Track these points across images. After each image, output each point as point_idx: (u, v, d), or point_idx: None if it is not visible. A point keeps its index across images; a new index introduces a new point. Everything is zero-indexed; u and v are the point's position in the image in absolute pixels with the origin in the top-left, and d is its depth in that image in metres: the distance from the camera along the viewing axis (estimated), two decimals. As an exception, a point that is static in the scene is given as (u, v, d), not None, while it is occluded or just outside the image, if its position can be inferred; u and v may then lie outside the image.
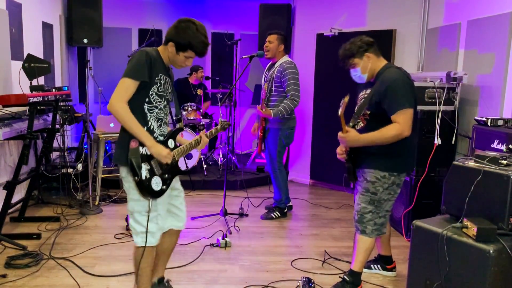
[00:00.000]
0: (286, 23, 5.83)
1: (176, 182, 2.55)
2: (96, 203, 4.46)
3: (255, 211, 4.55)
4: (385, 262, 3.18)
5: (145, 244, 2.32)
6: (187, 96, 6.13)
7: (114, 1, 6.53)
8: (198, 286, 2.94)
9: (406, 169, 2.74)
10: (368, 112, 2.69)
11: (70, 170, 4.48)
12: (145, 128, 2.28)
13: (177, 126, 2.56)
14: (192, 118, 5.61)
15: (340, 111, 2.60)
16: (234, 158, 5.98)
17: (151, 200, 2.29)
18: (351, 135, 2.63)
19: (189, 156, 5.38)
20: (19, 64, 4.01)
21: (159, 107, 2.34)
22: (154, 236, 2.36)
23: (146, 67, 2.21)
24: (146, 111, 2.30)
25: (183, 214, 2.58)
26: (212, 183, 5.29)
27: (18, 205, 4.03)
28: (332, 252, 3.51)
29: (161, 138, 2.39)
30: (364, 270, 3.00)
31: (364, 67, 2.70)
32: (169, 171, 2.38)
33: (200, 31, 2.27)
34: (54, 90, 4.09)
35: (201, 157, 5.54)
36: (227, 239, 3.60)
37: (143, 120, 2.28)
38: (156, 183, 2.29)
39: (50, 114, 4.13)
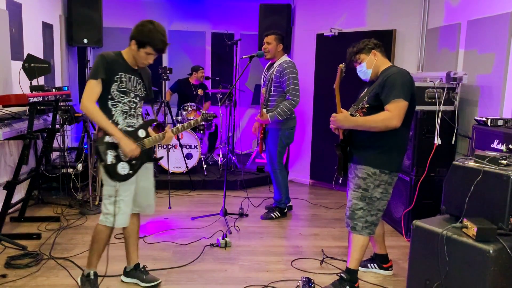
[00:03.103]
0: (286, 23, 5.83)
1: (147, 179, 2.80)
2: (96, 203, 4.46)
3: (255, 211, 4.55)
4: (381, 261, 3.19)
5: (107, 224, 2.62)
6: (187, 96, 6.13)
7: (114, 1, 6.53)
8: (198, 286, 2.94)
9: (397, 168, 2.75)
10: (367, 105, 2.72)
11: (70, 170, 4.48)
12: (110, 121, 2.56)
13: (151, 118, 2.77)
14: (192, 118, 5.61)
15: (335, 83, 2.70)
16: (234, 158, 5.99)
17: (117, 185, 2.57)
18: (342, 115, 2.72)
19: (189, 156, 5.39)
20: (19, 64, 4.01)
21: (122, 101, 2.60)
22: (116, 218, 2.61)
23: (102, 67, 2.51)
24: (111, 107, 2.59)
25: (149, 202, 2.86)
26: (212, 183, 5.29)
27: (18, 205, 4.03)
28: (333, 252, 3.51)
29: (129, 129, 2.65)
30: (361, 269, 3.02)
31: (370, 63, 2.77)
32: (138, 158, 2.63)
33: (158, 30, 2.52)
34: (54, 90, 4.09)
35: (201, 157, 5.54)
36: (227, 239, 3.60)
37: (108, 114, 2.57)
38: (123, 168, 2.57)
39: (50, 114, 4.13)
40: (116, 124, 2.59)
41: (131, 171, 2.61)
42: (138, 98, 2.68)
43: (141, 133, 2.69)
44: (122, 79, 2.58)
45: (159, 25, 2.55)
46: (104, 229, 2.66)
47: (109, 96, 2.57)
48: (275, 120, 4.06)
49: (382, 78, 2.66)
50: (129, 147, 2.54)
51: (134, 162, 2.61)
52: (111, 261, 3.22)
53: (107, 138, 2.54)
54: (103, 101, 2.58)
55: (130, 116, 2.65)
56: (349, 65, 2.87)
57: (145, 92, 2.73)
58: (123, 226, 2.70)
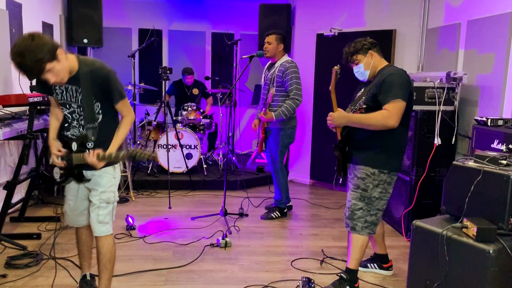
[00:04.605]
0: (286, 23, 5.83)
1: (91, 194, 2.55)
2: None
3: (255, 211, 4.55)
4: (381, 261, 3.19)
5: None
6: (183, 97, 6.15)
7: (114, 1, 6.52)
8: (198, 286, 2.94)
9: (396, 168, 2.75)
10: (364, 106, 2.72)
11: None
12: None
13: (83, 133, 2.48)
14: (192, 118, 5.61)
15: (331, 85, 2.69)
16: (234, 158, 5.98)
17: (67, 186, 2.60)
18: (337, 113, 2.72)
19: (189, 156, 5.39)
20: (19, 64, 4.00)
21: (64, 113, 2.47)
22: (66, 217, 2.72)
23: (38, 82, 2.41)
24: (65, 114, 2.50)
25: (92, 217, 2.61)
26: (212, 183, 5.29)
27: (18, 205, 4.03)
28: (333, 252, 3.51)
29: (70, 137, 2.49)
30: (361, 269, 3.02)
31: (367, 64, 2.76)
32: (64, 169, 2.49)
33: (12, 53, 2.17)
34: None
35: (201, 157, 5.54)
36: (227, 239, 3.59)
37: (65, 121, 2.50)
38: (56, 173, 2.54)
39: (50, 114, 4.12)
40: (68, 130, 2.48)
41: (59, 179, 2.54)
42: (81, 109, 2.39)
43: (74, 146, 2.45)
44: (57, 91, 2.42)
45: (15, 46, 2.18)
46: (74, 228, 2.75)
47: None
48: (278, 120, 4.06)
49: (379, 79, 2.66)
50: (51, 149, 2.46)
51: (61, 171, 2.51)
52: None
53: None
54: None
55: (73, 127, 2.45)
56: (346, 65, 2.86)
57: (81, 101, 2.37)
58: (71, 226, 2.77)
